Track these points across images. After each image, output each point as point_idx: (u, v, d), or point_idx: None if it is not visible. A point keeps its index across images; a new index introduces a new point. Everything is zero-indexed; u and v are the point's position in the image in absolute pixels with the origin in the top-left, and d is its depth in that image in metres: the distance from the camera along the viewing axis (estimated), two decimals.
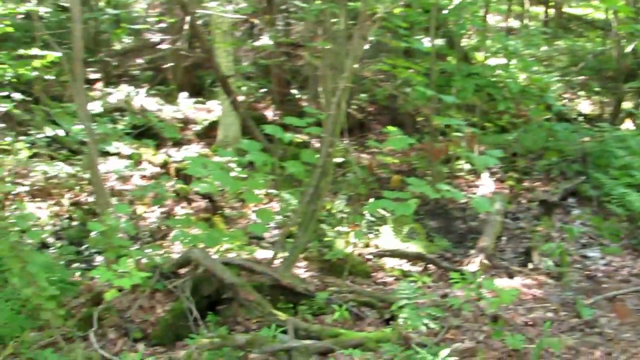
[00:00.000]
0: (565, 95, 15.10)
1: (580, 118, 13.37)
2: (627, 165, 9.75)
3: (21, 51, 10.40)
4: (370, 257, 7.59)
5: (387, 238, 7.99)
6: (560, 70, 15.86)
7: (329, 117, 6.52)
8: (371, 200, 8.34)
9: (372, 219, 8.17)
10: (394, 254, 7.66)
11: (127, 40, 15.77)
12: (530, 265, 7.46)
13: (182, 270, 6.36)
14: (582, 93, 15.44)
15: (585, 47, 17.34)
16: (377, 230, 8.14)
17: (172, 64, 13.79)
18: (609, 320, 5.87)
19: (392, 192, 5.96)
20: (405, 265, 7.49)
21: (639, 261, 7.44)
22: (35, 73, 10.16)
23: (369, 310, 6.12)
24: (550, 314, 5.97)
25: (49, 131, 11.04)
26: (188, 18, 9.93)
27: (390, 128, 7.12)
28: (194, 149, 11.49)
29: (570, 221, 8.87)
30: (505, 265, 7.51)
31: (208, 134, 12.20)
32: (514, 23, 20.18)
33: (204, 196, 9.20)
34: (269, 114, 12.85)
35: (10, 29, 10.13)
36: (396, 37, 10.77)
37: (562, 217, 9.03)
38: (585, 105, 14.84)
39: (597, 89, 14.95)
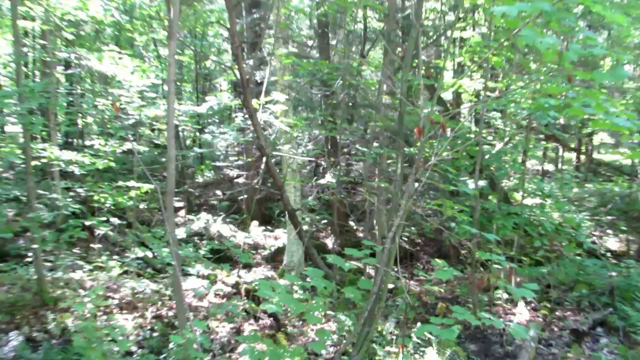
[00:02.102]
0: (595, 233, 14.99)
1: (609, 254, 13.22)
2: None
3: (120, 183, 10.92)
4: None
5: (432, 357, 7.93)
6: (590, 211, 15.83)
7: (384, 250, 6.67)
8: (418, 324, 8.35)
9: (419, 341, 8.13)
10: None
11: (209, 174, 16.33)
12: None
13: None
14: (610, 231, 15.30)
15: (613, 190, 17.33)
16: (423, 351, 8.08)
17: (246, 196, 14.17)
18: None
19: (437, 318, 6.00)
20: None
21: None
22: (130, 202, 10.61)
23: None
24: None
25: (138, 252, 11.39)
26: (264, 158, 10.34)
27: (437, 260, 7.24)
28: (263, 272, 11.66)
29: (599, 349, 8.73)
30: None
31: (275, 258, 12.39)
32: (549, 167, 20.32)
33: (270, 315, 9.28)
34: (329, 242, 13.02)
35: (112, 164, 10.66)
36: (445, 180, 11.02)
37: (591, 345, 8.90)
38: (612, 243, 14.67)
39: (623, 227, 14.82)
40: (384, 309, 7.57)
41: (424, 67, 12.48)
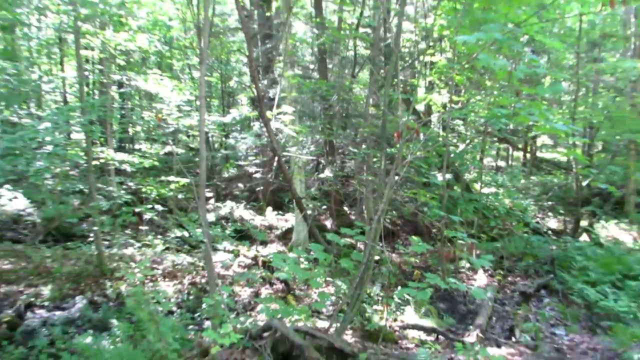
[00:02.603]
0: (539, 216, 14.97)
1: (549, 232, 13.22)
2: (584, 267, 9.68)
3: (162, 178, 10.90)
4: (398, 328, 7.51)
5: (410, 315, 7.92)
6: (534, 197, 15.82)
7: (371, 229, 6.65)
8: (399, 287, 8.35)
9: (399, 301, 8.13)
10: (414, 327, 7.57)
11: (232, 170, 16.29)
12: (513, 339, 7.34)
13: (265, 334, 6.40)
14: (550, 214, 15.28)
15: (553, 181, 17.30)
16: (403, 309, 8.09)
17: (262, 187, 14.14)
18: None
19: (414, 283, 5.99)
20: (423, 336, 7.40)
21: (594, 338, 7.23)
22: (170, 193, 10.58)
23: None
24: None
25: (177, 232, 11.38)
26: (276, 158, 10.32)
27: (414, 237, 7.22)
28: (275, 247, 11.65)
29: (542, 307, 8.72)
30: (495, 338, 7.36)
31: (285, 236, 12.38)
32: (501, 163, 20.29)
33: (282, 281, 9.28)
34: (328, 224, 13.01)
35: (156, 163, 10.65)
36: (419, 173, 11.00)
37: (536, 304, 8.90)
38: (552, 223, 14.65)
39: (561, 211, 14.80)
40: (371, 275, 7.56)
41: (401, 85, 12.48)
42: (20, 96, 13.91)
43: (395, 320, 7.73)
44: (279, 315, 6.58)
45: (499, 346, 6.95)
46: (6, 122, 12.89)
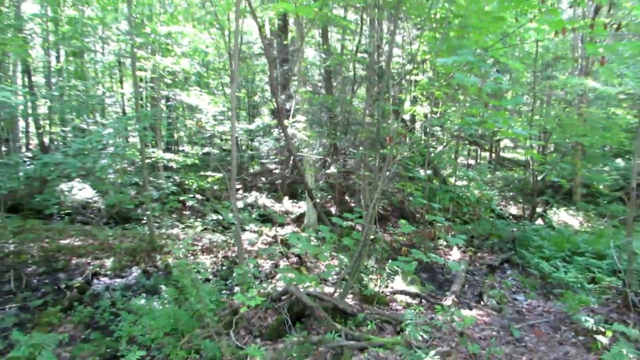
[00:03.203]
0: (502, 203, 14.85)
1: (511, 217, 13.11)
2: (539, 245, 9.57)
3: (201, 173, 10.87)
4: (389, 294, 7.46)
5: (398, 283, 7.86)
6: (498, 189, 15.68)
7: (368, 214, 6.60)
8: (390, 261, 8.29)
9: (390, 272, 8.08)
10: (402, 292, 7.51)
11: (257, 167, 16.24)
12: (482, 303, 7.25)
13: (283, 297, 6.37)
14: (511, 202, 15.16)
15: (513, 176, 17.17)
16: (393, 278, 8.03)
17: (280, 181, 14.12)
18: (530, 339, 5.62)
19: (402, 257, 5.96)
20: (408, 299, 7.34)
21: (548, 303, 7.15)
22: (208, 185, 10.56)
23: (388, 325, 5.98)
24: (494, 333, 5.74)
25: (213, 216, 11.36)
26: (292, 157, 10.28)
27: (402, 221, 7.18)
28: (291, 228, 11.60)
29: (506, 277, 8.63)
30: (467, 302, 7.28)
31: (298, 220, 12.34)
32: (472, 161, 20.12)
33: (296, 255, 9.26)
34: (333, 210, 12.96)
35: (196, 161, 10.63)
36: (405, 169, 10.92)
37: (500, 275, 8.79)
38: (513, 209, 14.53)
39: (520, 200, 14.69)
40: (368, 251, 7.53)
41: (392, 99, 12.39)
42: (88, 108, 13.93)
43: (386, 287, 7.68)
44: (294, 282, 6.55)
45: (470, 309, 6.89)
46: (77, 129, 12.92)
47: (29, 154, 9.36)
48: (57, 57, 16.43)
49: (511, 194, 15.28)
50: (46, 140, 14.91)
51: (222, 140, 14.92)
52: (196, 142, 13.58)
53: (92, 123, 12.25)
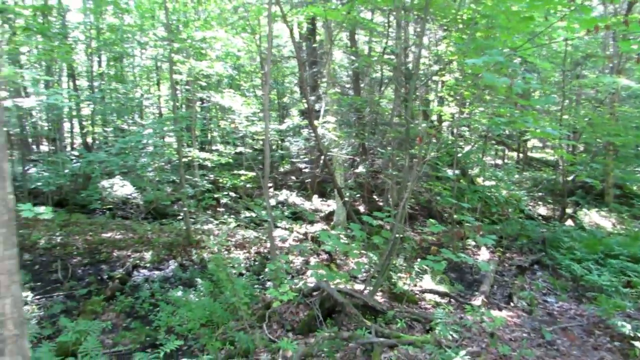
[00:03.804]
0: (530, 204, 14.46)
1: (540, 217, 12.74)
2: (570, 247, 9.23)
3: (235, 171, 10.97)
4: (418, 292, 7.36)
5: (427, 282, 7.75)
6: (527, 189, 15.27)
7: (398, 213, 6.53)
8: (418, 260, 8.19)
9: (419, 270, 7.97)
10: (431, 291, 7.39)
11: (287, 166, 16.29)
12: (511, 304, 7.04)
13: (314, 293, 6.37)
14: (540, 203, 14.73)
15: (542, 176, 16.69)
16: (421, 277, 7.92)
17: (310, 179, 14.12)
18: (562, 342, 5.44)
19: (431, 256, 5.86)
20: (437, 299, 7.22)
21: (580, 306, 6.89)
22: (241, 183, 10.65)
23: (417, 324, 5.90)
24: (525, 335, 5.57)
25: (246, 213, 11.45)
26: (322, 156, 10.26)
27: (431, 220, 7.06)
28: (321, 226, 11.57)
29: (536, 278, 8.35)
30: (496, 303, 7.10)
31: (328, 218, 12.31)
32: (499, 161, 19.68)
33: (326, 252, 9.23)
34: (361, 208, 12.88)
35: (230, 160, 10.73)
36: (434, 169, 10.76)
37: (530, 276, 8.51)
38: (543, 210, 14.12)
39: (549, 200, 14.26)
40: (397, 249, 7.45)
41: (420, 100, 12.25)
42: (127, 109, 14.26)
43: (415, 285, 7.59)
44: (325, 279, 6.54)
45: (500, 309, 6.72)
46: (117, 129, 13.24)
47: (75, 153, 9.67)
48: (99, 62, 16.87)
49: (540, 194, 14.85)
50: (89, 140, 15.33)
51: (253, 140, 15.04)
52: (229, 141, 13.72)
53: (131, 124, 12.54)
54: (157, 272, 8.19)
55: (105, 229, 9.94)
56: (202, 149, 14.98)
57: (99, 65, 16.76)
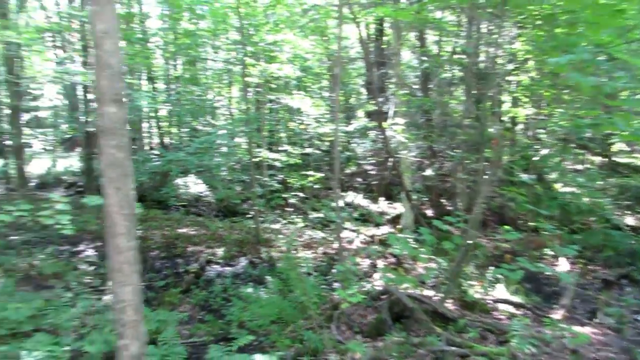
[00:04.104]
0: (616, 213, 13.38)
1: (627, 228, 11.75)
2: None
3: (303, 172, 11.13)
4: (490, 302, 7.07)
5: (501, 291, 7.43)
6: (612, 197, 14.16)
7: (472, 218, 6.34)
8: (490, 268, 7.87)
9: (491, 278, 7.66)
10: (505, 301, 7.07)
11: (353, 168, 16.27)
12: (596, 320, 6.55)
13: (382, 297, 6.33)
14: (628, 212, 13.59)
15: (630, 182, 15.39)
16: (494, 286, 7.60)
17: (377, 181, 14.02)
18: None
19: (506, 265, 5.64)
20: (511, 309, 6.89)
21: None
22: (309, 184, 10.78)
23: (490, 334, 5.68)
24: (612, 355, 5.18)
25: (313, 214, 11.57)
26: (390, 158, 10.18)
27: (505, 227, 6.79)
28: (387, 229, 11.39)
29: (624, 294, 7.69)
30: (578, 318, 6.66)
31: (394, 220, 12.13)
32: (579, 166, 18.44)
33: (394, 256, 9.11)
34: (428, 212, 12.60)
35: (298, 161, 10.91)
36: (508, 173, 10.30)
37: (618, 291, 7.84)
38: (630, 220, 13.03)
39: (638, 209, 13.12)
40: (469, 256, 7.22)
41: (493, 100, 11.77)
42: (201, 111, 14.95)
43: (487, 294, 7.31)
44: (393, 283, 6.48)
45: (582, 325, 6.30)
46: (192, 130, 13.92)
47: (156, 152, 10.28)
48: (175, 66, 17.82)
49: (628, 202, 13.69)
50: (165, 140, 16.24)
51: (320, 141, 15.19)
52: (296, 142, 13.96)
53: (205, 125, 13.12)
54: (228, 268, 8.49)
55: (181, 225, 10.47)
56: (269, 150, 15.38)
57: (175, 69, 17.70)
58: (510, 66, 13.84)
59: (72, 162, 16.00)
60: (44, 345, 5.26)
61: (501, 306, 6.93)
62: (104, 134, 2.96)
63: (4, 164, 14.32)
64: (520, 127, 12.85)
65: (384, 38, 14.52)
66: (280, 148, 16.09)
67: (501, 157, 6.72)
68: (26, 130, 15.49)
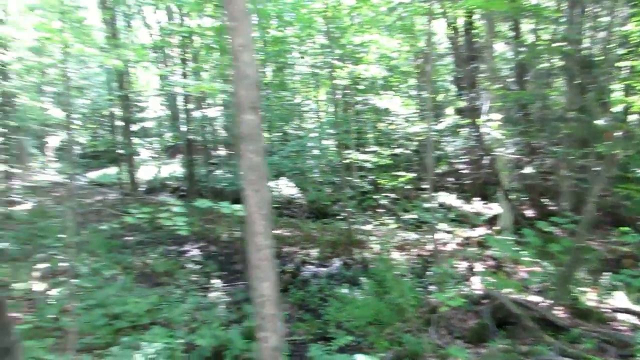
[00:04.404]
0: None
1: None
2: None
3: (393, 173, 11.02)
4: (608, 310, 6.47)
5: (621, 300, 6.75)
6: None
7: (583, 219, 5.87)
8: (606, 273, 7.21)
9: (608, 285, 7.00)
10: (626, 311, 6.40)
11: (444, 167, 15.79)
12: None
13: (484, 301, 6.09)
14: None
15: None
16: (611, 293, 6.93)
17: (470, 181, 13.50)
18: None
19: (626, 270, 5.14)
20: (635, 320, 6.24)
21: None
22: (400, 184, 10.64)
23: (610, 347, 5.21)
24: None
25: (406, 215, 11.37)
26: (485, 156, 9.78)
27: (622, 228, 6.20)
28: (483, 230, 10.87)
29: None
30: None
31: (490, 222, 11.54)
32: None
33: (493, 258, 8.69)
34: (528, 212, 11.83)
35: (389, 161, 10.82)
36: (621, 169, 9.39)
37: None
38: None
39: None
40: (581, 260, 6.69)
41: (600, 90, 10.78)
42: (291, 115, 15.43)
43: (603, 302, 6.71)
44: (494, 287, 6.21)
45: None
46: (283, 134, 14.43)
47: None
48: (264, 72, 18.57)
49: None
50: None
51: (409, 140, 14.95)
52: (383, 143, 13.87)
53: (296, 129, 13.52)
54: (322, 269, 8.67)
55: (275, 226, 10.88)
56: (358, 151, 15.45)
57: (264, 75, 18.45)
58: (622, 50, 12.61)
59: (175, 168, 17.31)
60: (161, 337, 5.75)
61: (621, 316, 6.32)
62: (243, 140, 3.17)
63: (118, 171, 15.90)
64: (635, 117, 11.62)
65: (474, 31, 13.97)
66: (368, 149, 16.12)
67: (616, 151, 6.13)
68: (135, 140, 17.04)
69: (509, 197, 9.14)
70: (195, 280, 8.07)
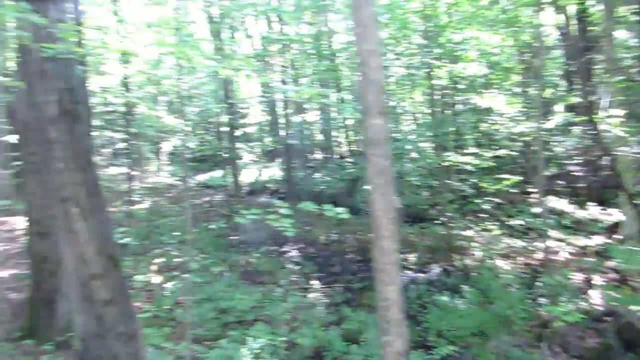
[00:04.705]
0: None
1: None
2: None
3: (497, 176, 10.34)
4: None
5: None
6: None
7: None
8: None
9: None
10: None
11: (553, 169, 14.59)
12: None
13: (606, 318, 5.50)
14: None
15: None
16: None
17: (584, 184, 12.30)
18: None
19: None
20: None
21: None
22: (504, 188, 9.98)
23: None
24: None
25: (510, 221, 10.64)
26: (604, 157, 8.84)
27: None
28: (601, 239, 9.81)
29: None
30: None
31: (611, 229, 10.38)
32: None
33: (615, 270, 7.79)
34: None
35: (492, 164, 10.22)
36: None
37: None
38: None
39: None
40: None
41: None
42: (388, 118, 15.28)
43: None
44: (617, 303, 5.58)
45: None
46: None
47: (349, 160, 10.91)
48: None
49: None
50: (351, 147, 17.06)
51: (512, 141, 14.04)
52: (484, 144, 13.15)
53: (393, 131, 13.32)
54: (421, 275, 8.46)
55: (371, 229, 10.81)
56: (457, 153, 14.85)
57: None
58: None
59: (274, 171, 18.04)
60: (264, 334, 6.00)
61: None
62: (370, 145, 3.21)
63: (223, 174, 16.94)
64: None
65: (589, 18, 12.76)
66: (467, 151, 15.43)
67: None
68: (238, 145, 18.04)
69: (634, 202, 8.15)
70: (295, 280, 8.31)
